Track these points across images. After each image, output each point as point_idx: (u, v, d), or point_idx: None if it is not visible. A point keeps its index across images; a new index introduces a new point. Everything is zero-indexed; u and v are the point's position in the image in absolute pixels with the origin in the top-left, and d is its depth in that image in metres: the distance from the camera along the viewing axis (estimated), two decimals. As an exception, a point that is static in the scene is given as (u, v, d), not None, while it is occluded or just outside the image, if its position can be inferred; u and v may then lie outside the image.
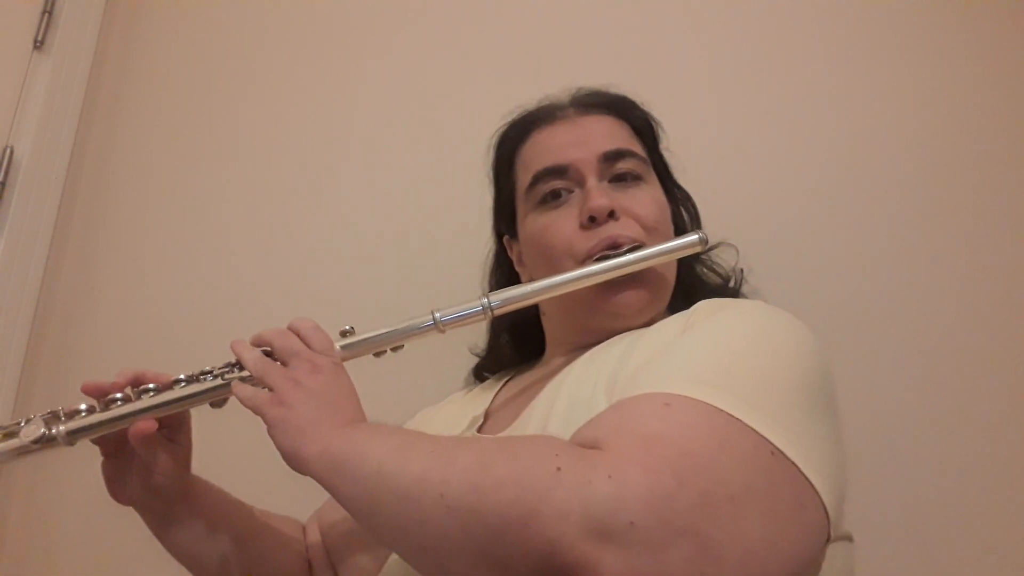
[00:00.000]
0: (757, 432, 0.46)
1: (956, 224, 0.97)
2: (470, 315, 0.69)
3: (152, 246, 1.30)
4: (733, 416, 0.47)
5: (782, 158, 1.05)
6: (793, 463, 0.47)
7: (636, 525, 0.40)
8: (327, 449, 0.54)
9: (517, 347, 0.90)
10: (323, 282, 1.20)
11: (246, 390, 0.62)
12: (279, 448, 0.57)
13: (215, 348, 1.17)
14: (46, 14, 1.31)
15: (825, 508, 0.48)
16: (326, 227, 1.23)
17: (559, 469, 0.43)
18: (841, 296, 0.97)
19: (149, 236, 1.31)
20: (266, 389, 0.61)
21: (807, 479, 0.47)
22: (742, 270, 0.88)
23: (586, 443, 0.47)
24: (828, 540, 0.50)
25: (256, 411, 0.60)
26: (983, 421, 0.89)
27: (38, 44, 1.30)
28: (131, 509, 0.72)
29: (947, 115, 1.00)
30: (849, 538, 0.60)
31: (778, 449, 0.46)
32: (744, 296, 0.86)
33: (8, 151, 1.24)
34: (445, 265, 1.11)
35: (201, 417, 0.70)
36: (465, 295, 0.71)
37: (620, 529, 0.40)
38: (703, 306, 0.65)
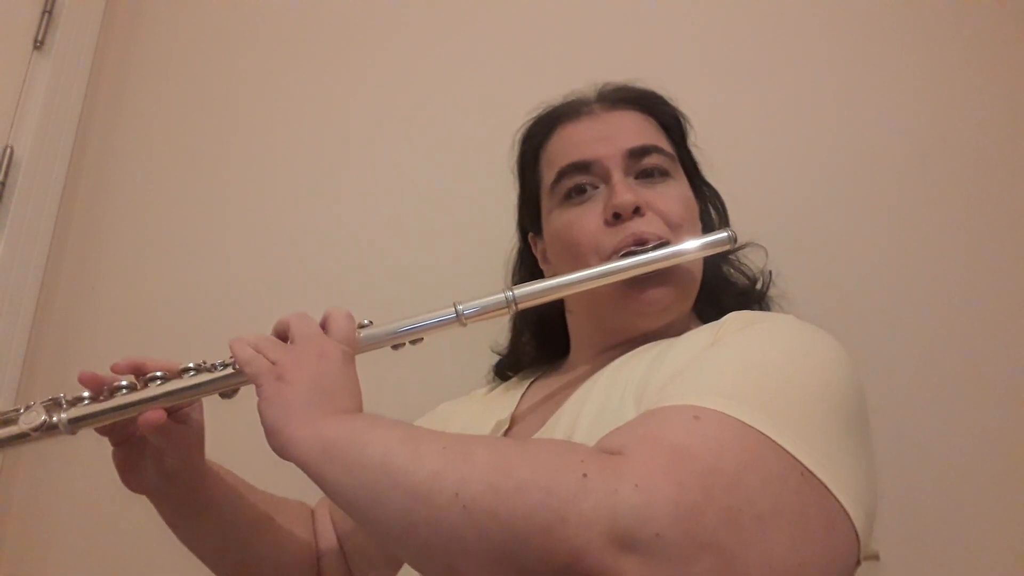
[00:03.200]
0: (787, 452, 0.46)
1: (998, 227, 0.94)
2: (493, 308, 0.68)
3: (153, 246, 1.30)
4: (764, 434, 0.46)
5: (815, 157, 1.03)
6: (824, 484, 0.46)
7: (662, 537, 0.40)
8: (319, 433, 0.52)
9: (540, 347, 0.89)
10: (330, 282, 1.19)
11: (247, 352, 0.60)
12: (265, 423, 0.55)
13: (217, 348, 1.17)
14: (46, 14, 1.31)
15: (856, 530, 0.47)
16: (329, 224, 1.23)
17: (585, 476, 0.43)
18: (872, 301, 0.95)
19: (149, 236, 1.30)
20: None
21: (838, 501, 0.46)
22: (770, 272, 0.87)
23: (610, 448, 0.46)
24: (858, 563, 0.49)
25: (253, 378, 0.58)
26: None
27: (38, 44, 1.30)
28: (130, 509, 0.70)
29: (990, 114, 0.98)
30: (876, 557, 0.59)
31: (808, 470, 0.46)
32: (771, 299, 0.86)
33: (8, 151, 1.24)
34: (464, 263, 1.10)
35: (208, 408, 0.69)
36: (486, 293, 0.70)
37: (645, 540, 0.40)
38: (734, 318, 0.65)
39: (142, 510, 0.72)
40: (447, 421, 0.83)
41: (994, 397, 0.89)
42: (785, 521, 0.43)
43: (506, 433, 0.75)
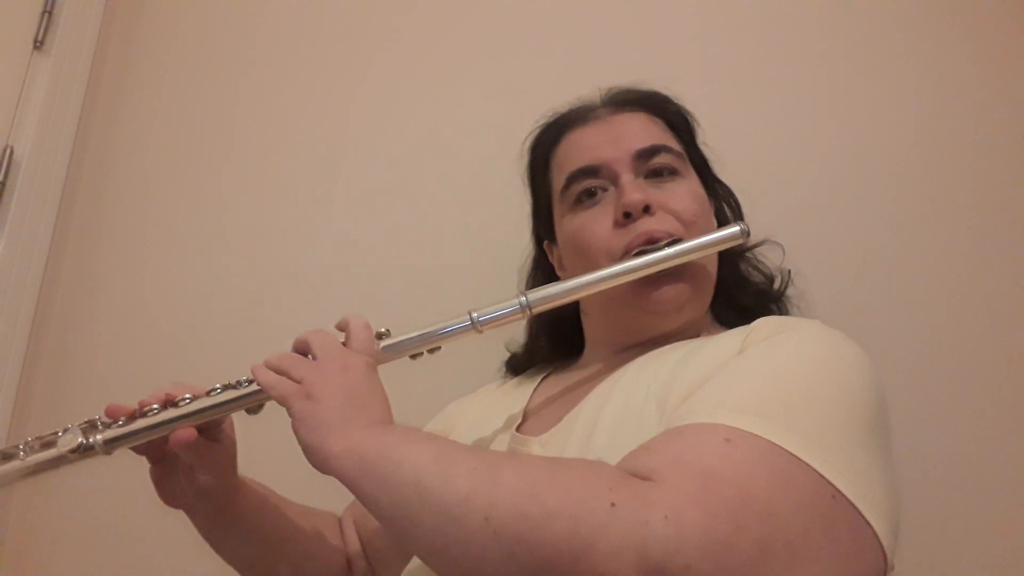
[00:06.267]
0: (819, 473, 0.46)
1: (1014, 224, 0.92)
2: (508, 315, 0.68)
3: (152, 246, 1.30)
4: (795, 455, 0.46)
5: (832, 154, 1.01)
6: (853, 505, 0.46)
7: (692, 568, 0.40)
8: (356, 447, 0.53)
9: (555, 345, 0.88)
10: (329, 282, 1.19)
11: (270, 376, 0.61)
12: (302, 442, 0.56)
13: (216, 348, 1.19)
14: (46, 14, 1.30)
15: (883, 548, 0.47)
16: (328, 224, 1.23)
17: (614, 505, 0.43)
18: (892, 299, 0.93)
19: (149, 236, 1.30)
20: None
21: (866, 520, 0.46)
22: (789, 271, 0.85)
23: (639, 471, 0.46)
24: None
25: (281, 401, 0.59)
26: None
27: (38, 44, 1.29)
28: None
29: (1007, 108, 0.95)
30: (891, 567, 0.62)
31: (839, 491, 0.46)
32: (789, 298, 0.85)
33: (8, 151, 1.24)
34: (477, 268, 1.10)
35: (238, 424, 0.71)
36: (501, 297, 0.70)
37: (675, 572, 0.40)
38: (762, 324, 0.64)
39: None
40: (458, 419, 0.84)
41: (1020, 396, 0.86)
42: (815, 545, 0.44)
43: (519, 428, 0.74)
